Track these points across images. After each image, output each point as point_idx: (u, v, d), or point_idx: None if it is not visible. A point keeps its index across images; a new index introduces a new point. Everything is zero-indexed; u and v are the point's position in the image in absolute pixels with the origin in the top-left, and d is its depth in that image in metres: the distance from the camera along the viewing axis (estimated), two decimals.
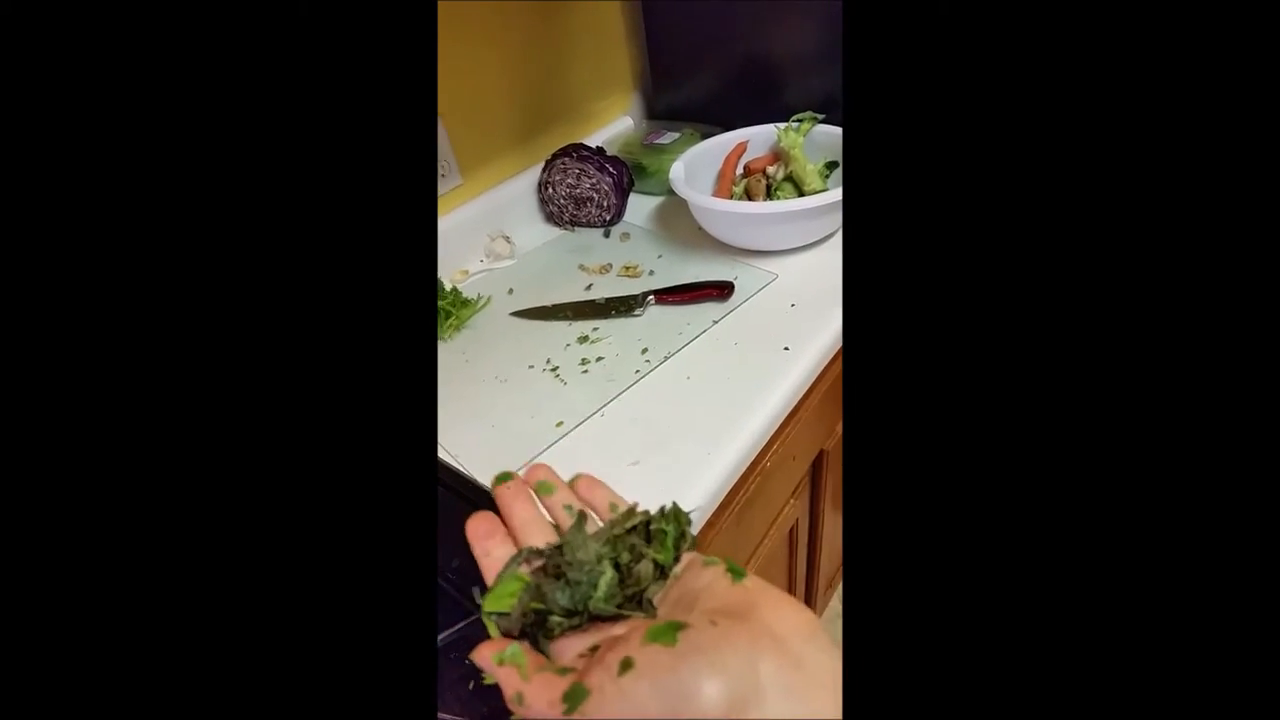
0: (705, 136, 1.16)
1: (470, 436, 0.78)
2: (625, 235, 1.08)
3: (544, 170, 1.10)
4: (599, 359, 0.85)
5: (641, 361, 0.83)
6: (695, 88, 1.23)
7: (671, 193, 1.16)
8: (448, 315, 0.93)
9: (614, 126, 1.27)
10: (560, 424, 0.76)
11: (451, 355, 0.90)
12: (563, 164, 1.08)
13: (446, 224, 1.04)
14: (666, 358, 0.83)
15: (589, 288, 0.98)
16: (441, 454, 0.76)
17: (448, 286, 0.98)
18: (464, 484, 0.72)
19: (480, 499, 0.69)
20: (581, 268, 1.02)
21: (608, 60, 1.23)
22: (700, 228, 1.05)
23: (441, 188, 1.04)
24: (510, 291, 1.00)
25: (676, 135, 1.18)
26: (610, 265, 1.01)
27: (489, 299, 0.99)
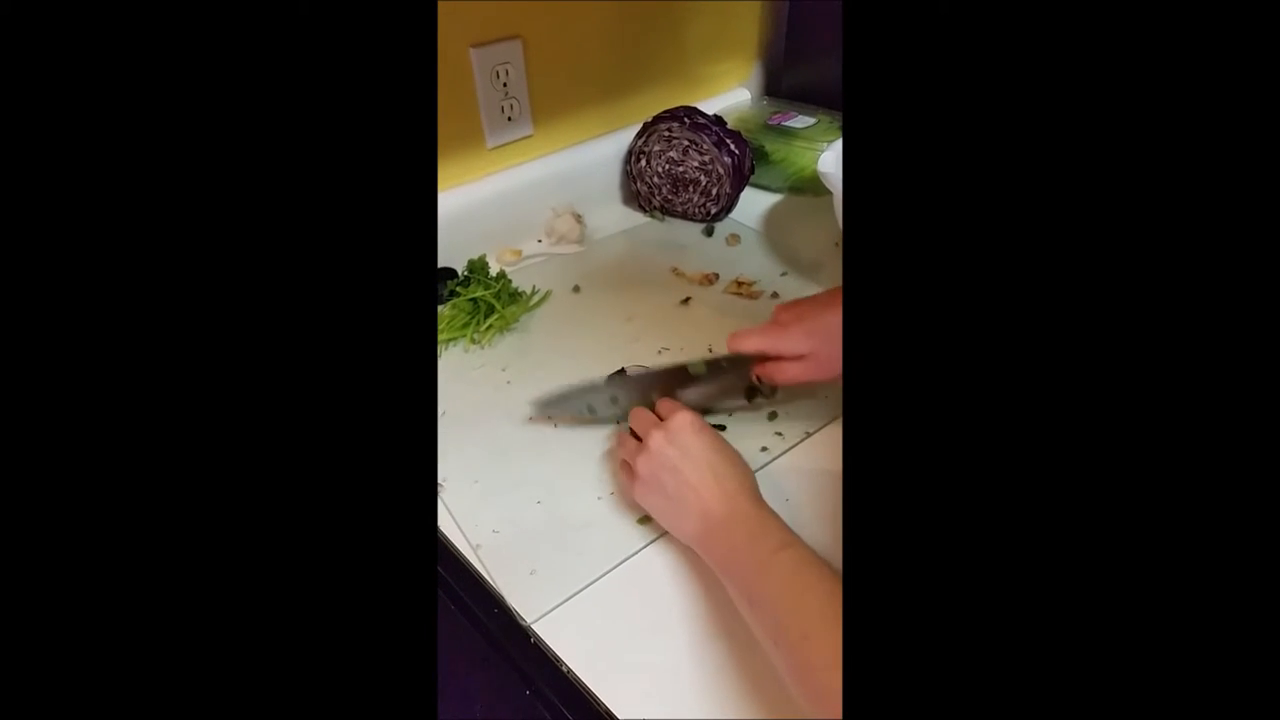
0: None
1: (502, 516, 0.51)
2: (734, 237, 0.81)
3: (639, 136, 0.83)
4: (705, 411, 0.58)
5: (771, 435, 0.56)
6: (837, 68, 0.97)
7: (795, 190, 0.90)
8: (489, 311, 0.67)
9: (727, 98, 1.00)
10: (646, 520, 0.49)
11: (488, 372, 0.64)
12: (667, 131, 0.81)
13: (503, 183, 0.78)
14: (808, 435, 0.56)
15: (686, 301, 0.71)
16: (453, 536, 0.50)
17: (494, 269, 0.72)
18: (487, 605, 0.46)
19: (513, 641, 0.43)
20: (677, 272, 0.75)
21: (733, 16, 0.96)
22: (839, 241, 0.79)
23: (506, 134, 0.77)
24: (577, 289, 0.74)
25: (812, 120, 0.91)
26: (717, 276, 0.74)
27: (547, 294, 0.73)
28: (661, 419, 0.48)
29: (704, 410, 0.57)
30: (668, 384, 0.55)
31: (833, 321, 0.49)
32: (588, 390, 0.55)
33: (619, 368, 0.61)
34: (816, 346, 0.50)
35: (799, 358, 0.50)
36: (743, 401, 0.56)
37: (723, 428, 0.56)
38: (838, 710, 0.32)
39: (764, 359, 0.51)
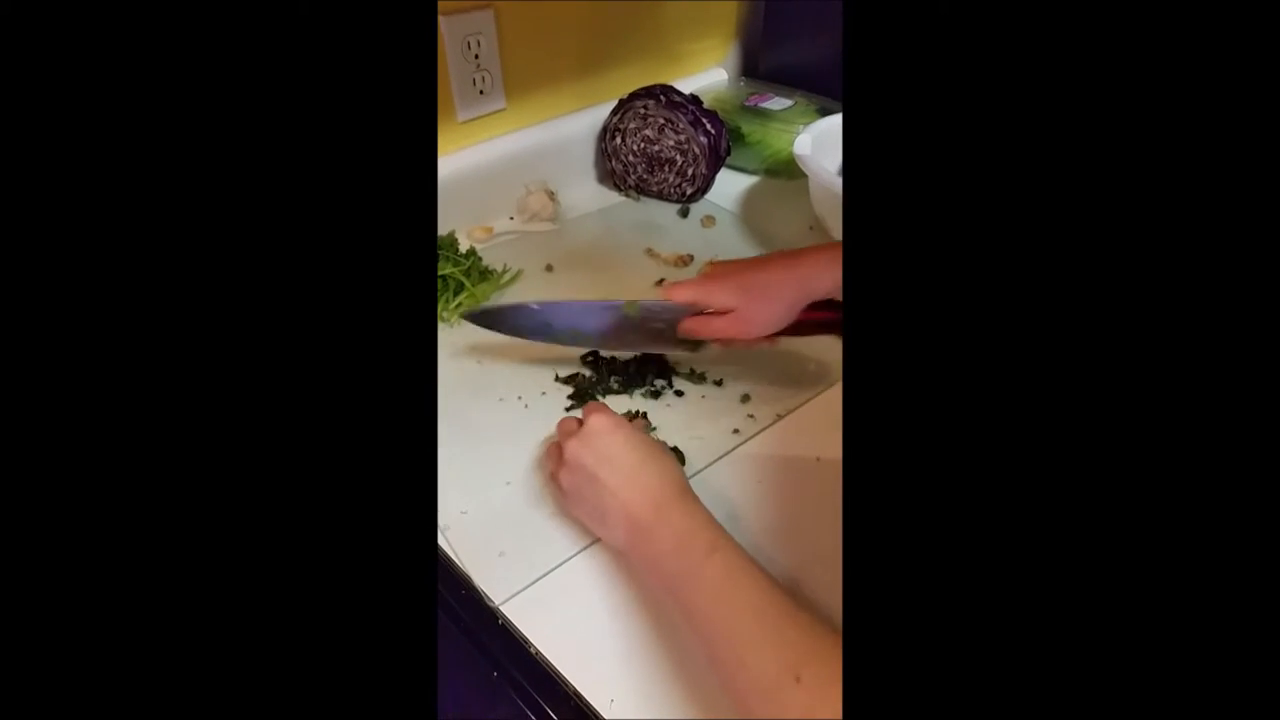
0: (822, 111, 0.89)
1: (471, 497, 0.50)
2: (709, 219, 0.81)
3: (615, 113, 0.82)
4: (678, 394, 0.58)
5: (743, 418, 0.56)
6: (815, 50, 0.96)
7: (771, 173, 0.89)
8: (458, 289, 0.65)
9: (704, 78, 0.99)
10: None
11: (456, 351, 0.63)
12: (643, 109, 0.80)
13: (474, 158, 0.76)
14: (779, 417, 0.56)
15: (660, 282, 0.70)
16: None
17: (464, 246, 0.70)
18: (454, 587, 0.45)
19: (481, 623, 0.42)
20: (650, 253, 0.75)
21: None
22: (814, 224, 0.79)
23: (478, 108, 0.75)
24: (549, 268, 0.73)
25: (789, 102, 0.91)
26: (692, 257, 0.74)
27: (518, 272, 0.71)
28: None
29: (641, 356, 0.58)
30: (600, 313, 0.54)
31: (761, 279, 0.49)
32: (520, 310, 0.55)
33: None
34: (742, 302, 0.49)
35: (726, 313, 0.50)
36: (675, 347, 0.55)
37: (680, 393, 0.56)
38: None
39: (695, 312, 0.51)
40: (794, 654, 0.31)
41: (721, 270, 0.52)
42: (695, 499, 0.41)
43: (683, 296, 0.51)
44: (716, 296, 0.50)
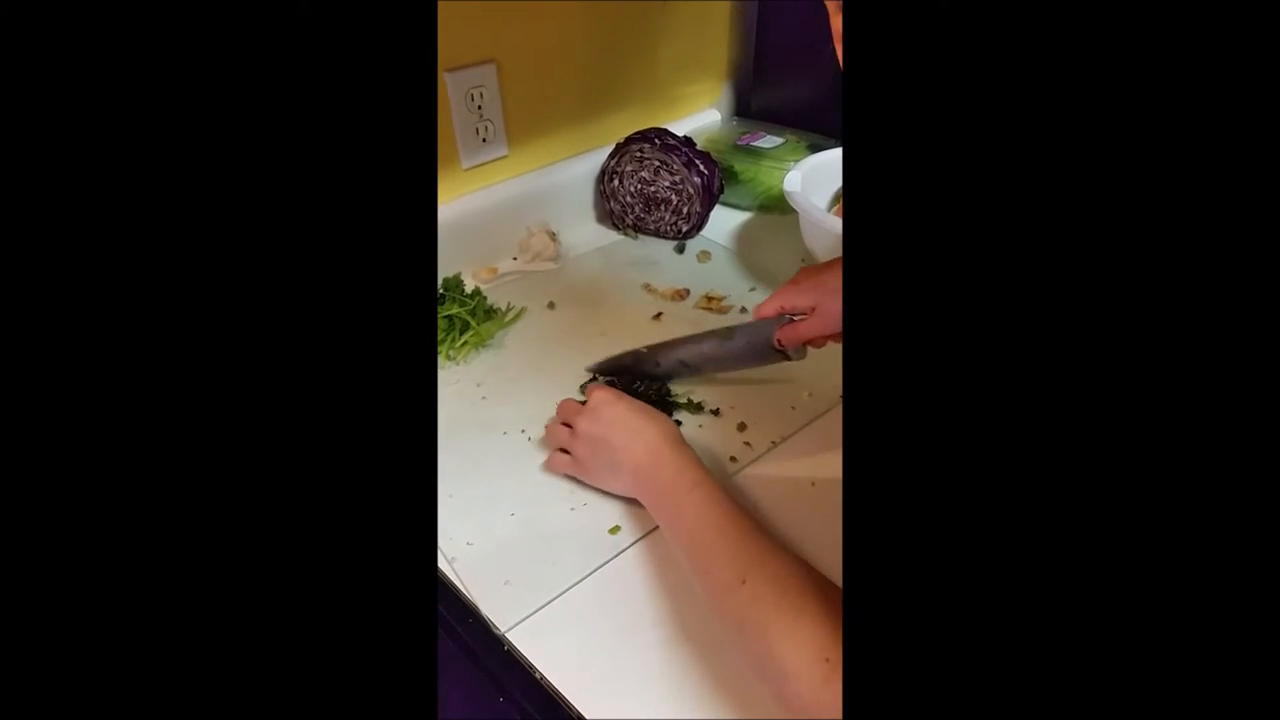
0: (812, 147, 0.92)
1: (476, 528, 0.52)
2: (705, 254, 0.83)
3: (613, 156, 0.86)
4: (677, 423, 0.59)
5: (740, 445, 0.58)
6: (804, 89, 1.00)
7: (764, 209, 0.92)
8: (464, 328, 0.68)
9: (698, 118, 1.03)
10: (617, 529, 0.51)
11: (463, 387, 0.65)
12: (639, 152, 0.83)
13: (478, 203, 0.80)
14: (775, 444, 0.58)
15: (658, 316, 0.73)
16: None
17: (469, 286, 0.73)
18: (462, 615, 0.47)
19: (488, 650, 0.44)
20: (648, 288, 0.77)
21: (704, 38, 0.99)
22: (806, 258, 0.81)
23: (481, 155, 0.79)
24: (551, 305, 0.75)
25: (780, 140, 0.94)
26: (687, 291, 0.76)
27: (522, 310, 0.74)
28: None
29: (638, 390, 0.62)
30: (700, 344, 0.60)
31: (837, 278, 0.53)
32: (633, 355, 0.63)
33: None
34: (820, 300, 0.54)
35: (809, 314, 0.54)
36: (772, 359, 0.59)
37: (679, 422, 0.58)
38: (738, 623, 0.38)
39: (784, 322, 0.56)
40: (742, 563, 0.40)
41: (804, 275, 0.56)
42: (687, 447, 0.49)
43: (768, 310, 0.56)
44: (797, 300, 0.55)
